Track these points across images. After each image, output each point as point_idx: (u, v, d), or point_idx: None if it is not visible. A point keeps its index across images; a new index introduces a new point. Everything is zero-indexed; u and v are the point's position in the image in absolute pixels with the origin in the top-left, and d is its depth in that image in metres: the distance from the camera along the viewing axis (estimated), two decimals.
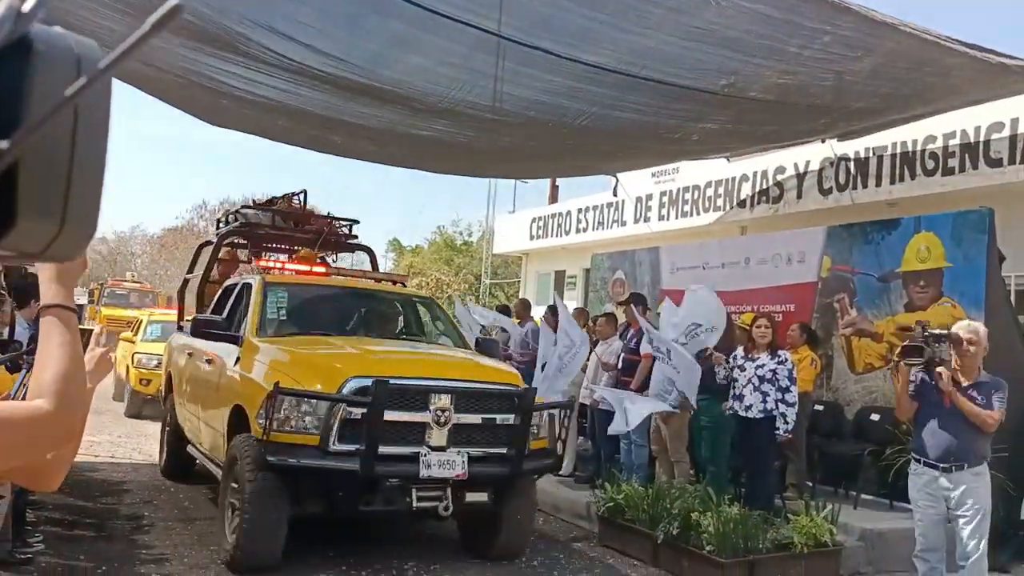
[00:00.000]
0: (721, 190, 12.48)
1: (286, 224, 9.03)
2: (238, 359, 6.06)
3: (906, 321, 7.38)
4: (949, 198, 8.90)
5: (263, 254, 9.21)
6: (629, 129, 8.23)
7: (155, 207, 77.77)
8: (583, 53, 6.58)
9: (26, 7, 0.49)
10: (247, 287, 6.96)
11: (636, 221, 14.30)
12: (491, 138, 8.45)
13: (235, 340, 6.24)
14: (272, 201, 9.51)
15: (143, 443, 10.48)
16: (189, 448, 7.46)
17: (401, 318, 7.74)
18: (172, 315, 15.17)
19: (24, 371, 3.39)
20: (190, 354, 7.56)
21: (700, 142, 8.82)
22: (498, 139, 8.54)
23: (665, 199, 13.64)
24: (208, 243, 10.05)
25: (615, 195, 14.39)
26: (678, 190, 13.38)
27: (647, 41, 6.37)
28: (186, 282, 10.00)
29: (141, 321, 15.25)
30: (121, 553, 5.72)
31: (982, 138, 8.96)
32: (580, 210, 16.03)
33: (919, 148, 9.57)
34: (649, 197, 13.96)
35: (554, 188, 18.90)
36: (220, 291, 7.79)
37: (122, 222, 67.84)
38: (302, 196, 9.41)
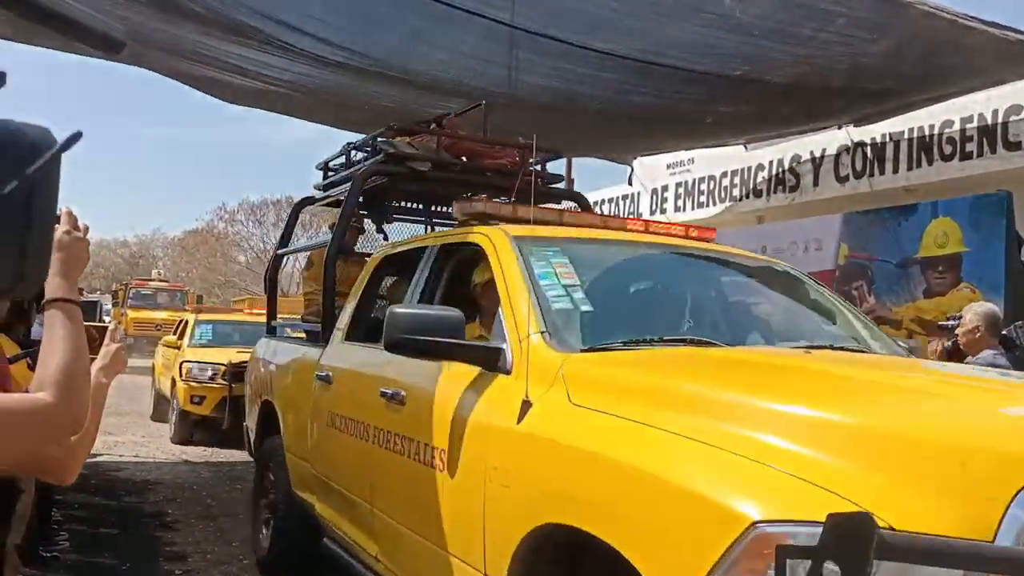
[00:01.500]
0: (737, 180, 12.42)
1: (456, 160, 5.64)
2: (527, 406, 2.63)
3: (927, 308, 7.34)
4: (967, 183, 8.81)
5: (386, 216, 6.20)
6: (641, 112, 8.20)
7: (175, 210, 78.43)
8: (596, 41, 6.57)
9: None
10: (453, 253, 3.93)
11: (652, 212, 14.26)
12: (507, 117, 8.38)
13: (487, 358, 2.98)
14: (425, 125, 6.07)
15: (166, 443, 10.59)
16: (327, 542, 4.44)
17: (774, 307, 4.14)
18: (226, 314, 13.74)
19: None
20: (326, 378, 4.38)
21: (715, 124, 8.76)
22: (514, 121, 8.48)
23: (681, 190, 13.60)
24: (308, 200, 6.56)
25: (630, 184, 14.36)
26: (694, 181, 13.33)
27: (660, 28, 6.35)
28: (277, 261, 6.82)
29: (187, 322, 12.57)
30: (145, 550, 5.79)
31: (1000, 121, 8.86)
32: (596, 203, 16.00)
33: (936, 133, 9.48)
34: (665, 188, 13.92)
35: (569, 183, 18.86)
36: (371, 268, 4.73)
37: (143, 225, 68.39)
38: (479, 113, 6.18)
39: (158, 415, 12.48)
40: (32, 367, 3.60)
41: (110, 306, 27.02)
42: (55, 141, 0.70)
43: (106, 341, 2.22)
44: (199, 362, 10.48)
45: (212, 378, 10.23)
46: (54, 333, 1.42)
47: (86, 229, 1.63)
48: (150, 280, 28.61)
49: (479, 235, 3.61)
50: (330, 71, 7.54)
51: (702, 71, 7.01)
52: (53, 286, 1.50)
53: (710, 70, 7.01)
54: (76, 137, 0.67)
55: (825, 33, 6.28)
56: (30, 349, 3.94)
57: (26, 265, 0.70)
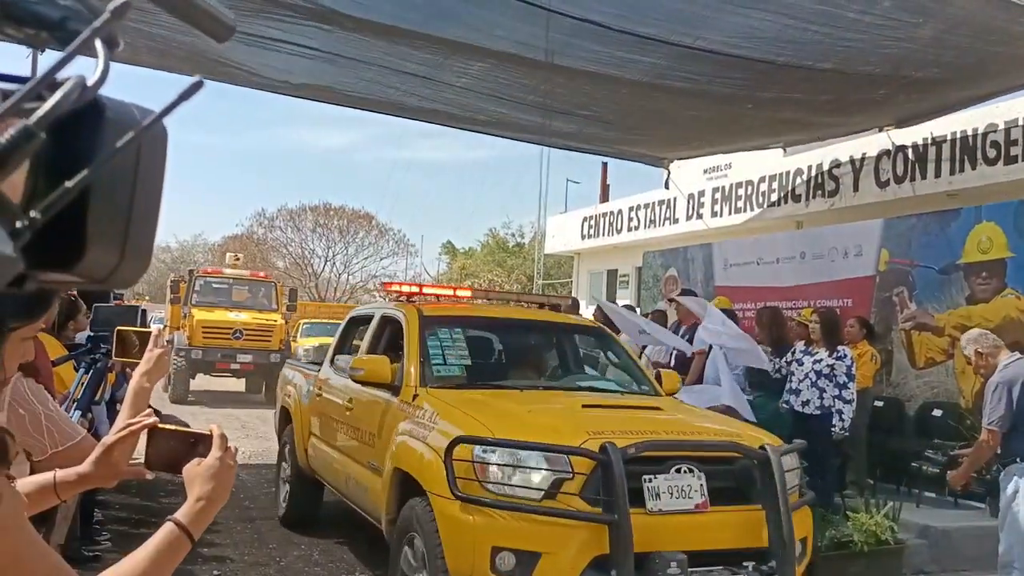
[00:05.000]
0: (775, 185, 12.30)
1: None
2: None
3: (970, 315, 7.20)
4: (1012, 187, 8.64)
5: None
6: (681, 98, 8.14)
7: (217, 216, 79.50)
8: (634, 24, 6.53)
9: (90, 81, 0.60)
10: None
11: (688, 218, 14.17)
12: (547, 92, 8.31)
13: None
14: None
15: None
16: None
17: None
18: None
19: (82, 371, 3.52)
20: None
21: (754, 109, 8.62)
22: (552, 103, 8.40)
23: (718, 195, 13.49)
24: None
25: (667, 188, 14.29)
26: (731, 186, 13.22)
27: (700, 10, 6.30)
28: None
29: (395, 324, 5.53)
30: None
31: None
32: (631, 208, 15.95)
33: (980, 136, 9.30)
34: (701, 194, 13.82)
35: (604, 187, 18.84)
36: None
37: (185, 231, 69.41)
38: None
39: (300, 519, 6.54)
40: (76, 368, 3.66)
41: (162, 313, 19.78)
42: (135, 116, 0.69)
43: (149, 346, 2.25)
44: (517, 447, 3.94)
45: (556, 491, 3.86)
46: (152, 547, 1.34)
47: (235, 452, 1.54)
48: (224, 268, 19.37)
49: None
50: (364, 42, 7.46)
51: (743, 56, 6.93)
52: (186, 508, 1.41)
53: (751, 55, 6.93)
54: (198, 86, 0.62)
55: (870, 16, 6.16)
56: (75, 352, 4.02)
57: (125, 253, 0.68)
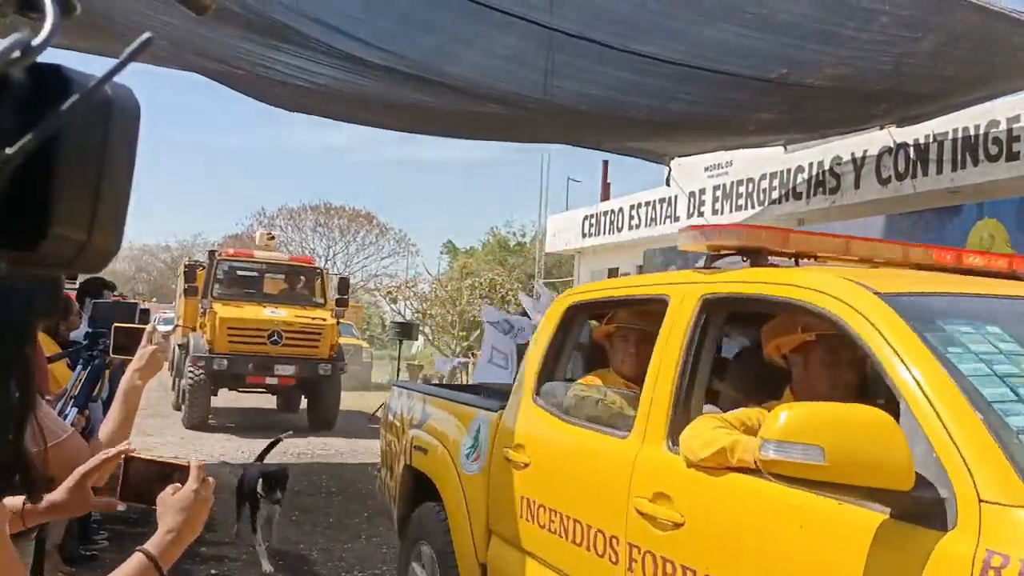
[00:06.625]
0: (776, 182, 12.27)
1: None
2: None
3: None
4: (1014, 184, 8.61)
5: None
6: (682, 121, 8.12)
7: (216, 215, 79.61)
8: (635, 43, 6.51)
9: (35, 41, 0.56)
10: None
11: (689, 216, 14.15)
12: (546, 117, 8.32)
13: None
14: None
15: (204, 445, 10.71)
16: None
17: None
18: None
19: (79, 367, 3.49)
20: None
21: (757, 132, 8.65)
22: (552, 120, 8.41)
23: (719, 193, 13.47)
24: None
25: (667, 185, 14.29)
26: (732, 183, 13.20)
27: (700, 29, 6.28)
28: None
29: None
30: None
31: None
32: (632, 206, 15.93)
33: (982, 133, 9.27)
34: (702, 191, 13.81)
35: (605, 186, 18.82)
36: None
37: (184, 231, 69.56)
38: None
39: None
40: (72, 367, 3.63)
41: (170, 312, 17.10)
42: (135, 100, 0.66)
43: (143, 343, 2.22)
44: None
45: None
46: (122, 573, 1.35)
47: (213, 485, 1.51)
48: (256, 251, 14.55)
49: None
50: (366, 73, 7.53)
51: (742, 75, 6.91)
52: (156, 539, 1.40)
53: (750, 74, 6.91)
54: (147, 43, 0.58)
55: (867, 33, 6.16)
56: (70, 349, 3.99)
57: (93, 233, 0.63)
